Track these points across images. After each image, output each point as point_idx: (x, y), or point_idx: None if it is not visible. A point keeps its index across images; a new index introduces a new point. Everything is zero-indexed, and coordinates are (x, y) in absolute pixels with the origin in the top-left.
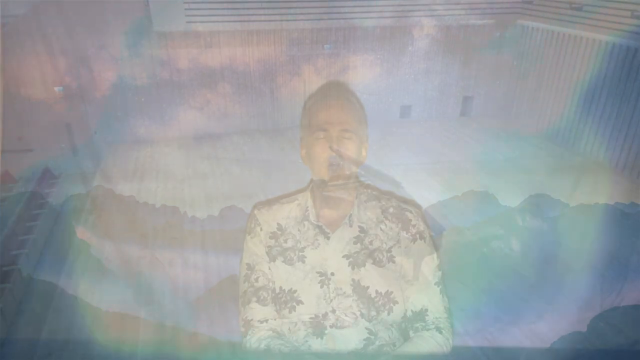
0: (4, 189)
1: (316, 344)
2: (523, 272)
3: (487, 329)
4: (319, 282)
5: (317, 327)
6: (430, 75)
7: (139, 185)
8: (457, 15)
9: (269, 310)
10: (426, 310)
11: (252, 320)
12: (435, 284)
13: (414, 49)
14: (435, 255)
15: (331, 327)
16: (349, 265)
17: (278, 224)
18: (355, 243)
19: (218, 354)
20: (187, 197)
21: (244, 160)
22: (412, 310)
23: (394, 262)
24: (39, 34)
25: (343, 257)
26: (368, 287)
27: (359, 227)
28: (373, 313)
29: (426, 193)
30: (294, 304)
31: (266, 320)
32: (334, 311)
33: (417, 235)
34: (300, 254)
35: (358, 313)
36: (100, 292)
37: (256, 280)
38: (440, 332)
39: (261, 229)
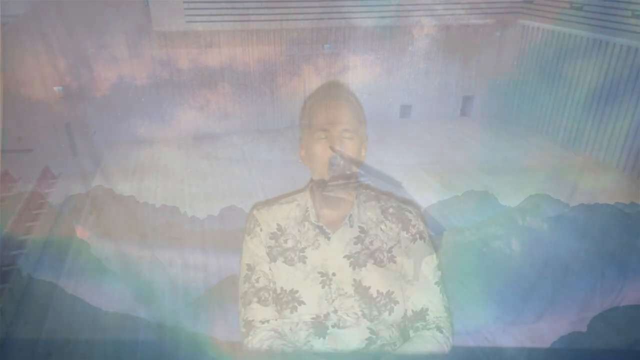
0: (4, 189)
1: (318, 344)
2: (523, 272)
3: (487, 329)
4: (320, 283)
5: (319, 327)
6: (430, 75)
7: (139, 185)
8: (457, 15)
9: (270, 311)
10: (427, 309)
11: (253, 320)
12: (435, 284)
13: (414, 49)
14: (434, 254)
15: (333, 327)
16: (350, 266)
17: (278, 224)
18: (355, 243)
19: (218, 354)
20: (187, 197)
21: (244, 160)
22: (412, 310)
23: (394, 262)
24: (39, 34)
25: (344, 257)
26: (369, 287)
27: (359, 227)
28: (375, 313)
29: (426, 193)
30: (296, 304)
31: (267, 321)
32: (335, 311)
33: (417, 235)
34: (301, 254)
35: (360, 313)
36: (100, 292)
37: (257, 280)
38: (441, 332)
39: (261, 230)
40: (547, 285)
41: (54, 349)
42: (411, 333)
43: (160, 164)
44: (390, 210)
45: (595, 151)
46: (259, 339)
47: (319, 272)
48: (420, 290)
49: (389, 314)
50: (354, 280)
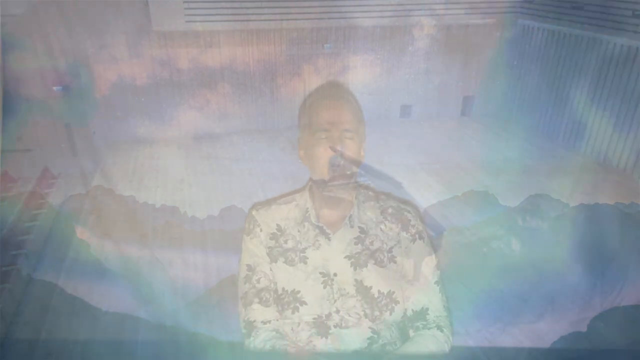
0: (3, 189)
1: (320, 344)
2: (523, 272)
3: (487, 329)
4: (322, 283)
5: (321, 327)
6: (430, 75)
7: (139, 185)
8: (457, 15)
9: (272, 311)
10: (427, 309)
11: (255, 321)
12: (435, 283)
13: (414, 49)
14: (433, 254)
15: (335, 327)
16: (351, 266)
17: (277, 224)
18: (356, 244)
19: (218, 354)
20: (187, 197)
21: (244, 160)
22: (412, 310)
23: (395, 262)
24: (39, 34)
25: (345, 257)
26: (371, 288)
27: (359, 227)
28: (376, 313)
29: (426, 193)
30: (297, 304)
31: (269, 322)
32: (337, 311)
33: (417, 235)
34: (302, 254)
35: (362, 313)
36: (100, 292)
37: (258, 281)
38: (442, 331)
39: (261, 230)
40: (547, 285)
41: (53, 349)
42: (411, 332)
43: (160, 164)
44: (390, 210)
45: (595, 151)
46: (261, 340)
47: (320, 273)
48: (421, 290)
49: (390, 314)
50: (356, 280)
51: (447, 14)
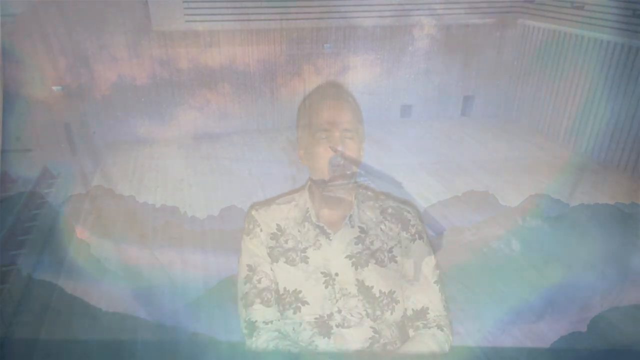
0: (3, 189)
1: (323, 344)
2: (523, 272)
3: (487, 329)
4: (323, 283)
5: (323, 327)
6: (430, 75)
7: (139, 185)
8: (457, 15)
9: (273, 312)
10: (427, 308)
11: (256, 321)
12: (434, 283)
13: (414, 49)
14: (433, 254)
15: (337, 326)
16: (352, 266)
17: (277, 224)
18: (356, 244)
19: (218, 354)
20: (187, 197)
21: (244, 160)
22: (413, 309)
23: (395, 262)
24: (39, 33)
25: (346, 257)
26: (372, 287)
27: (360, 227)
28: (378, 313)
29: (426, 193)
30: (299, 304)
31: (271, 322)
32: (339, 311)
33: (417, 235)
34: (303, 254)
35: (364, 313)
36: (100, 292)
37: (259, 281)
38: (442, 330)
39: (261, 230)
40: (547, 285)
41: (53, 349)
42: (411, 332)
43: (160, 164)
44: (389, 210)
45: (596, 151)
46: (263, 340)
47: (321, 273)
48: (421, 289)
49: (391, 314)
50: (357, 280)
51: (447, 14)
